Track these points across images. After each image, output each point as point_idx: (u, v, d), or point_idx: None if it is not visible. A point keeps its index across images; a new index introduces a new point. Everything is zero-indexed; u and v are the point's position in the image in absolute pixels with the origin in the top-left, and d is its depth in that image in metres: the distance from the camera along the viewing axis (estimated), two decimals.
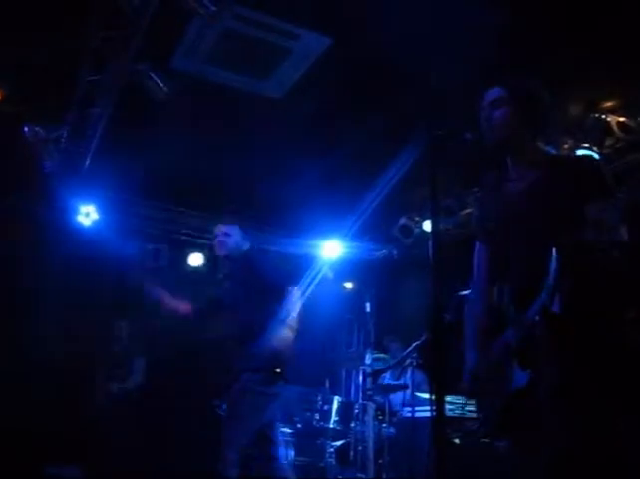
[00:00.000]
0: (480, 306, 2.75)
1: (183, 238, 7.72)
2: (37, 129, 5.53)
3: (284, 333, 4.10)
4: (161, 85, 5.13)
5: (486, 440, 2.50)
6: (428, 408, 5.35)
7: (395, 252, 8.24)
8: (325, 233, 7.99)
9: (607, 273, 2.10)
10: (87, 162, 6.22)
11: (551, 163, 2.60)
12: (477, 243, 2.86)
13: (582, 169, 2.47)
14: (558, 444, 2.18)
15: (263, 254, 4.58)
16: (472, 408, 4.72)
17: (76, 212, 6.91)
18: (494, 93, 2.68)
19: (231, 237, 4.47)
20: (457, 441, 4.72)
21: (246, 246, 4.49)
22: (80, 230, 6.87)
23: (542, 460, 2.20)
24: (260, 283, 4.20)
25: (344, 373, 7.86)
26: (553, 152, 2.66)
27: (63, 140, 5.83)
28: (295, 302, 4.20)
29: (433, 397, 1.77)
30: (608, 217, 2.07)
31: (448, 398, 4.92)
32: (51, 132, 5.65)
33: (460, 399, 4.67)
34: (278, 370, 4.10)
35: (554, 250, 2.10)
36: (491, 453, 3.76)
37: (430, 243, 1.91)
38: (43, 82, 5.23)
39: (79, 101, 5.38)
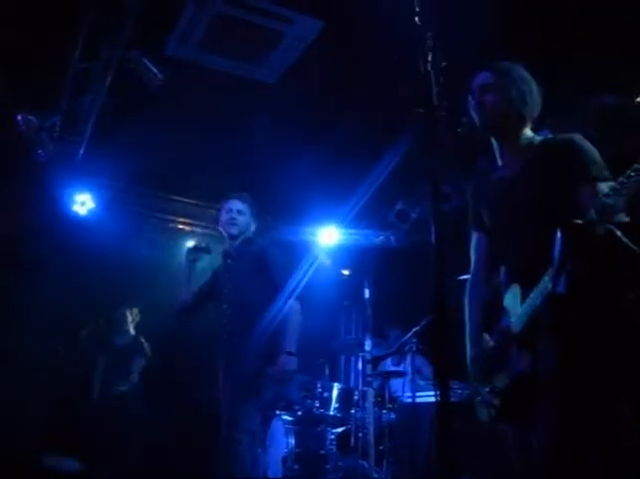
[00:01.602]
0: (477, 295, 2.74)
1: (179, 226, 7.67)
2: (30, 117, 5.47)
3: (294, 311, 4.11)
4: (155, 72, 5.09)
5: (489, 425, 2.49)
6: (427, 393, 5.36)
7: (393, 238, 8.22)
8: (322, 219, 7.96)
9: (609, 254, 2.09)
10: (81, 151, 6.17)
11: (540, 147, 2.60)
12: (473, 232, 2.84)
13: (570, 152, 2.45)
14: (553, 428, 2.17)
15: (279, 250, 4.44)
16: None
17: (71, 201, 6.86)
18: (483, 78, 2.69)
19: (245, 216, 4.38)
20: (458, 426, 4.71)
21: (253, 227, 4.43)
22: (75, 219, 6.83)
23: (538, 443, 2.20)
24: (268, 277, 4.16)
25: (344, 360, 7.86)
26: (540, 137, 2.64)
27: (57, 128, 5.77)
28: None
29: (436, 382, 1.75)
30: (608, 200, 2.06)
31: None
32: (44, 120, 5.59)
33: (459, 384, 4.66)
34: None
35: (559, 232, 2.09)
36: (494, 437, 3.76)
37: (432, 229, 1.87)
38: (36, 70, 5.18)
39: (71, 89, 5.32)
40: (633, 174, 2.03)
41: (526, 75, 2.68)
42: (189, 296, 4.49)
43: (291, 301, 4.12)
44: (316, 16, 4.85)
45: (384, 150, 6.06)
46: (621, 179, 2.07)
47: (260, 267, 4.19)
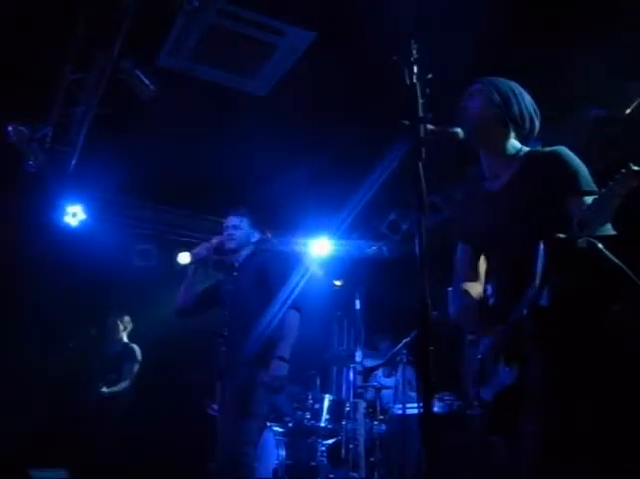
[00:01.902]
0: (465, 308, 2.72)
1: (172, 237, 7.67)
2: (21, 128, 5.46)
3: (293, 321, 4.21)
4: (147, 83, 5.09)
5: (478, 436, 2.49)
6: (418, 405, 5.34)
7: (385, 249, 8.22)
8: (314, 230, 7.97)
9: (592, 267, 2.09)
10: (73, 161, 6.17)
11: (526, 159, 2.59)
12: (457, 244, 2.84)
13: (555, 164, 2.45)
14: (539, 440, 2.17)
15: (280, 263, 4.55)
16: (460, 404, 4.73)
17: (62, 212, 6.85)
18: (472, 86, 2.70)
19: (242, 229, 4.46)
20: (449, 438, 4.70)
21: (255, 238, 4.53)
22: (66, 230, 6.82)
23: (525, 455, 2.20)
24: (268, 290, 4.25)
25: (335, 371, 7.84)
26: (527, 148, 2.65)
27: (48, 139, 5.77)
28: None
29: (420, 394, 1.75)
30: (590, 213, 2.06)
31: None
32: (36, 131, 5.59)
33: (448, 396, 4.66)
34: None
35: (542, 245, 2.09)
36: (485, 448, 3.75)
37: (416, 241, 1.87)
38: (28, 81, 5.18)
39: (63, 100, 5.33)
40: (615, 185, 2.03)
41: (517, 87, 2.68)
42: (192, 298, 4.52)
43: (292, 312, 4.23)
44: (307, 28, 4.87)
45: (376, 161, 6.07)
46: (604, 190, 2.08)
47: (261, 280, 4.27)
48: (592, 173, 2.43)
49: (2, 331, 6.06)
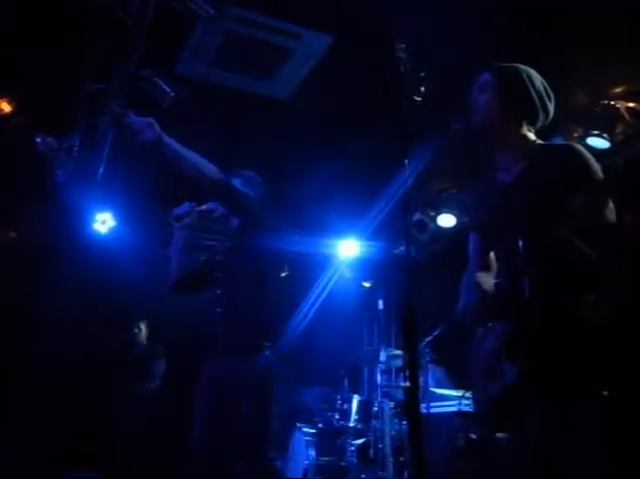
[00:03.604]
0: (464, 303, 2.73)
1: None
2: (49, 139, 5.58)
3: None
4: (168, 90, 5.17)
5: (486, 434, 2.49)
6: (442, 404, 5.34)
7: (412, 249, 8.18)
8: (342, 232, 8.00)
9: (568, 259, 2.09)
10: (100, 170, 6.28)
11: (536, 153, 2.58)
12: (470, 234, 2.85)
13: (565, 158, 2.44)
14: (539, 433, 2.17)
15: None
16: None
17: (92, 220, 6.98)
18: (482, 78, 2.67)
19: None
20: (473, 436, 4.69)
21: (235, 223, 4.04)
22: (96, 238, 6.95)
23: (528, 449, 2.21)
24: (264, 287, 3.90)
25: (366, 371, 7.85)
26: (540, 142, 2.63)
27: (75, 149, 5.88)
28: None
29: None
30: (590, 209, 2.06)
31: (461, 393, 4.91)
32: (63, 142, 5.70)
33: (459, 392, 4.64)
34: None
35: (520, 238, 2.10)
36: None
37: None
38: (54, 92, 5.31)
39: (87, 110, 5.43)
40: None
41: (527, 71, 2.65)
42: (177, 276, 4.11)
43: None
44: (324, 31, 4.90)
45: (402, 162, 6.05)
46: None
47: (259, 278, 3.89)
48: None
49: (33, 337, 6.19)
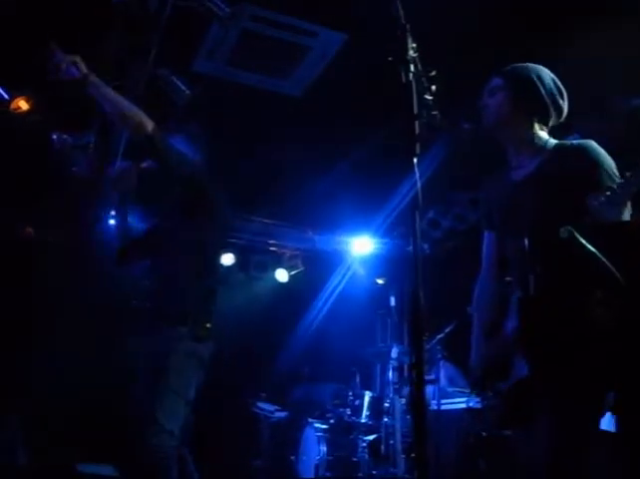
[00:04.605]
0: (486, 292, 2.77)
1: None
2: (65, 137, 5.64)
3: None
4: (184, 88, 5.21)
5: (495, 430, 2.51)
6: (454, 401, 5.36)
7: (426, 246, 8.20)
8: (355, 229, 8.02)
9: (574, 257, 2.10)
10: (115, 167, 6.33)
11: (553, 152, 2.59)
12: (485, 233, 2.87)
13: (579, 157, 2.46)
14: (550, 430, 2.19)
15: None
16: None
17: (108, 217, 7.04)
18: (493, 82, 2.71)
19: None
20: (484, 434, 4.71)
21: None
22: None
23: (539, 446, 2.23)
24: None
25: (378, 368, 7.87)
26: (554, 141, 2.65)
27: (91, 146, 5.94)
28: None
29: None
30: (605, 209, 2.07)
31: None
32: (79, 139, 5.76)
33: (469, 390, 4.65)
34: (208, 325, 3.36)
35: (526, 237, 2.12)
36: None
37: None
38: (70, 90, 5.36)
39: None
40: (632, 178, 2.05)
41: (537, 71, 2.67)
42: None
43: None
44: (339, 29, 4.93)
45: (417, 160, 6.06)
46: (618, 182, 2.09)
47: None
48: (626, 165, 2.41)
49: (56, 330, 6.23)
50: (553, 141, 2.66)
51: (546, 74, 2.68)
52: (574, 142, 2.55)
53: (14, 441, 5.24)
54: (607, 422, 2.59)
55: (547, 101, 2.62)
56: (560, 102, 2.67)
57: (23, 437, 5.34)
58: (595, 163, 2.43)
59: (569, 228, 1.96)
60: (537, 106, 2.62)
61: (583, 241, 1.93)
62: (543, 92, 2.61)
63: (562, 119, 2.72)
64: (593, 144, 2.48)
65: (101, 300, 6.35)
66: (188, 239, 3.42)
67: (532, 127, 2.66)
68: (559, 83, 2.68)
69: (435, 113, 2.07)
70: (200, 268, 3.46)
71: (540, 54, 2.84)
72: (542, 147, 2.63)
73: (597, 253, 1.94)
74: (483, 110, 2.69)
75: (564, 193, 2.40)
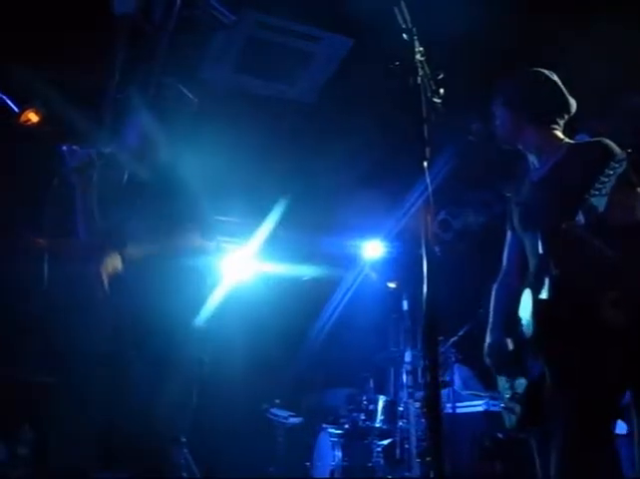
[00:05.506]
0: (505, 287, 2.77)
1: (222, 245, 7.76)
2: (74, 147, 5.66)
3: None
4: (190, 96, 5.22)
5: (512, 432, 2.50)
6: (468, 404, 5.33)
7: (437, 249, 8.17)
8: (367, 232, 8.01)
9: (588, 257, 2.09)
10: (125, 176, 6.34)
11: (565, 151, 2.60)
12: (508, 231, 2.88)
13: (591, 156, 2.45)
14: (562, 430, 2.18)
15: None
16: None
17: None
18: (492, 103, 2.77)
19: None
20: (500, 436, 4.69)
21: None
22: None
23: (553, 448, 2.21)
24: None
25: (392, 372, 7.85)
26: (569, 140, 2.65)
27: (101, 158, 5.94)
28: None
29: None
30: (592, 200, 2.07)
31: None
32: (89, 151, 5.77)
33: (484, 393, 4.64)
34: None
35: (539, 237, 2.11)
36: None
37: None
38: (79, 101, 5.39)
39: (111, 118, 5.51)
40: (611, 172, 2.04)
41: (531, 76, 2.71)
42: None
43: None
44: (344, 33, 4.93)
45: (428, 163, 6.05)
46: (602, 178, 2.09)
47: None
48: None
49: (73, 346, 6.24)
50: (568, 141, 2.66)
51: (541, 75, 2.69)
52: (587, 140, 2.57)
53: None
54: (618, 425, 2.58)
55: (548, 102, 2.64)
56: (563, 98, 2.67)
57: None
58: (606, 160, 2.41)
59: (570, 222, 1.96)
60: (539, 110, 2.65)
61: (585, 233, 1.92)
62: (541, 95, 2.63)
63: (572, 113, 2.72)
64: (606, 141, 2.48)
65: None
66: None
67: (542, 131, 2.67)
68: (557, 78, 2.68)
69: (443, 114, 2.06)
70: None
71: (546, 54, 2.85)
72: (557, 147, 2.65)
73: (613, 252, 1.93)
74: (495, 132, 2.73)
75: (578, 191, 2.39)
